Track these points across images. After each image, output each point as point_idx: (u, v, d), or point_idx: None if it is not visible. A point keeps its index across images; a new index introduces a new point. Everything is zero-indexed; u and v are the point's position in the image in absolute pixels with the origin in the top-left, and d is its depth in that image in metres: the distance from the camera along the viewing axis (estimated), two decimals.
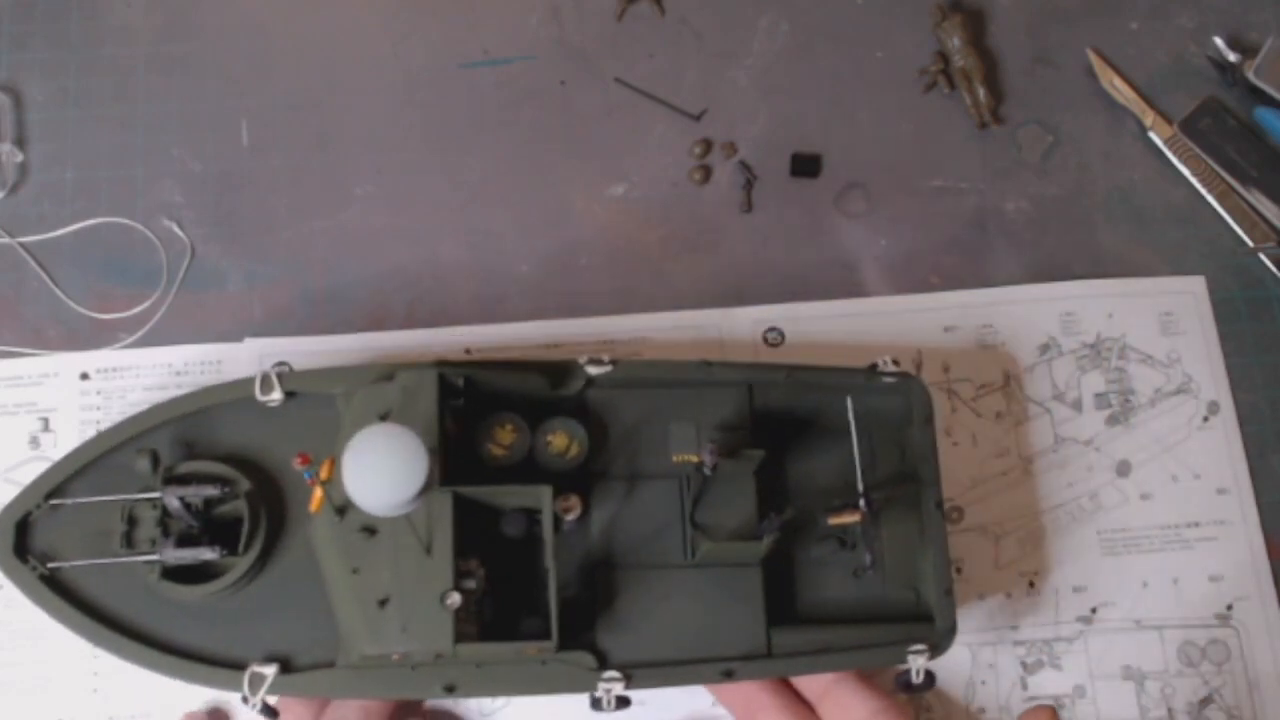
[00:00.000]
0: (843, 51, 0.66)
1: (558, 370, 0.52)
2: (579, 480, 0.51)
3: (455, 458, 0.49)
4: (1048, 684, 0.57)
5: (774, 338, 0.61)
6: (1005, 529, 0.59)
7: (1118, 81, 0.65)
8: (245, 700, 0.49)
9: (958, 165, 0.65)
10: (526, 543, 0.49)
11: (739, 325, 0.61)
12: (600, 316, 0.61)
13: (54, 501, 0.51)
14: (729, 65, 0.65)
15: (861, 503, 0.49)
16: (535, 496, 0.48)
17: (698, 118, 0.65)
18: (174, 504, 0.49)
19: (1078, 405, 0.61)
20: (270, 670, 0.49)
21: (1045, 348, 0.61)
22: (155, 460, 0.50)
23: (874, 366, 0.54)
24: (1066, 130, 0.65)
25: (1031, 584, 0.58)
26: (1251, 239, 0.63)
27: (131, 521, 0.50)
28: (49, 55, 0.64)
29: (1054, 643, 0.57)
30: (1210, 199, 0.64)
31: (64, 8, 0.65)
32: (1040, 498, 0.59)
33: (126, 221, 0.62)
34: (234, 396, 0.52)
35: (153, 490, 0.50)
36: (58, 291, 0.61)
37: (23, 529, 0.51)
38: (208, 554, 0.49)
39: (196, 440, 0.52)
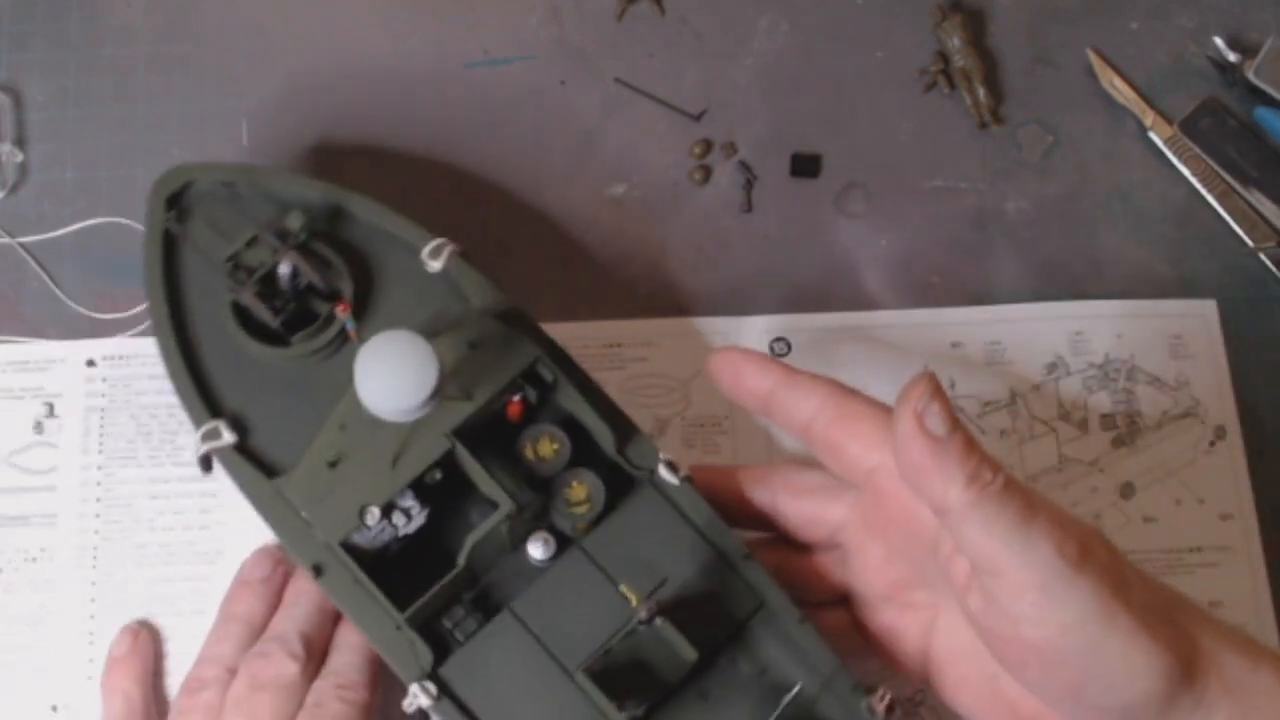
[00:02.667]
0: (843, 51, 0.66)
1: (627, 435, 0.50)
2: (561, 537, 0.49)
3: (491, 430, 0.49)
4: None
5: (781, 349, 0.61)
6: None
7: (1118, 81, 0.65)
8: (197, 455, 0.50)
9: (958, 165, 0.65)
10: (483, 541, 0.48)
11: (746, 335, 0.61)
12: (601, 320, 0.61)
13: (225, 183, 0.53)
14: (729, 65, 0.66)
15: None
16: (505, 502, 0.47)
17: (698, 118, 0.65)
18: (285, 269, 0.50)
19: (1084, 425, 0.60)
20: (229, 438, 0.49)
21: (1053, 367, 0.61)
22: (305, 224, 0.50)
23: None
24: (1066, 130, 0.65)
25: None
26: (1251, 239, 0.63)
27: (249, 245, 0.51)
28: (49, 55, 0.64)
29: None
30: (1210, 199, 0.64)
31: (64, 8, 0.65)
32: None
33: (126, 221, 0.62)
34: (405, 238, 0.52)
35: (285, 242, 0.50)
36: (58, 292, 0.61)
37: (180, 192, 0.53)
38: (268, 319, 0.50)
39: (338, 234, 0.53)
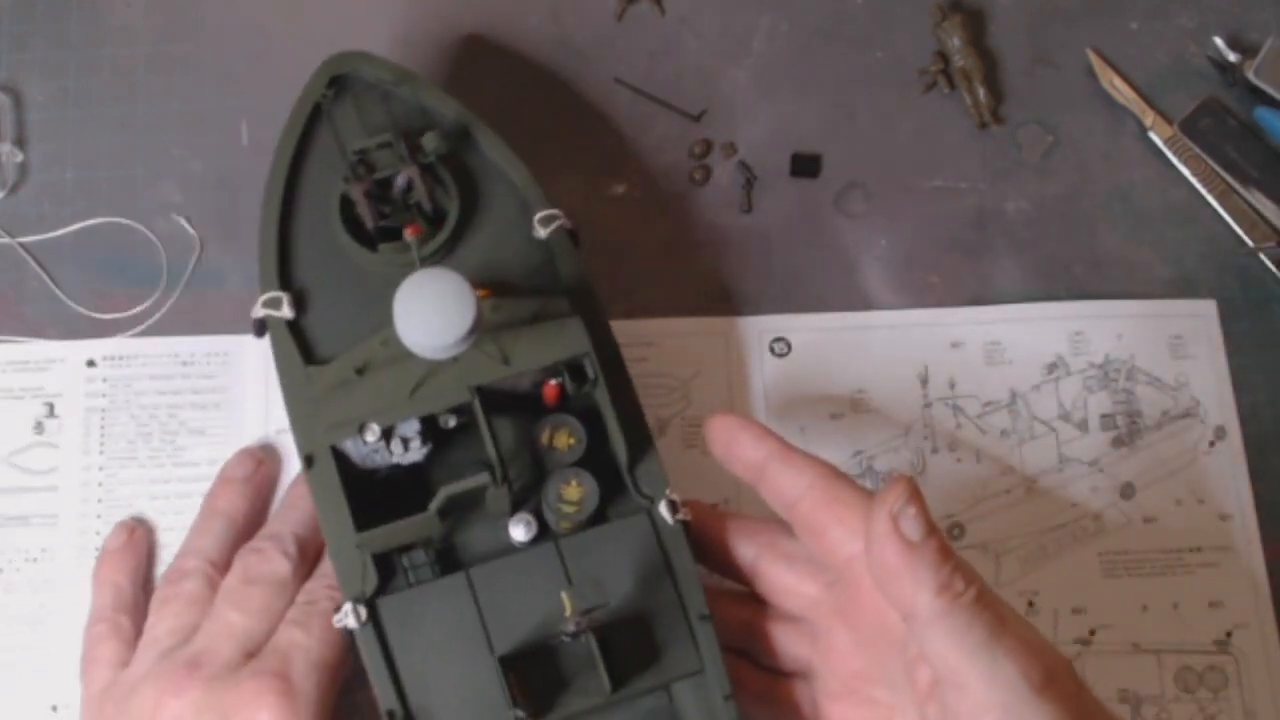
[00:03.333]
0: (843, 51, 0.66)
1: (643, 454, 0.50)
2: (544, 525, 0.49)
3: (520, 403, 0.49)
4: None
5: (780, 349, 0.61)
6: (1006, 547, 0.59)
7: (1118, 81, 0.65)
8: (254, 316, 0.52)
9: (958, 165, 0.65)
10: (460, 498, 0.48)
11: (746, 334, 0.61)
12: None
13: (385, 82, 0.55)
14: (729, 65, 0.65)
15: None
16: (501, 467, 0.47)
17: (698, 118, 0.65)
18: (402, 181, 0.51)
19: (1083, 426, 0.61)
20: (287, 312, 0.51)
21: (1053, 367, 0.61)
22: (438, 148, 0.51)
23: None
24: (1066, 130, 0.65)
25: (1031, 603, 0.58)
26: (1251, 239, 0.63)
27: (380, 146, 0.52)
28: (49, 55, 0.64)
29: None
30: (1210, 199, 0.64)
31: (64, 8, 0.65)
32: (1042, 517, 0.59)
33: (126, 221, 0.62)
34: (522, 191, 0.54)
35: (414, 156, 0.51)
36: (58, 292, 0.61)
37: (343, 76, 0.55)
38: (368, 219, 0.51)
39: (462, 159, 0.54)
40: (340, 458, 0.47)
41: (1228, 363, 0.62)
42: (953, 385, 0.61)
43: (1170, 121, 0.65)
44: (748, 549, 0.50)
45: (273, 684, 0.47)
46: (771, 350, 0.61)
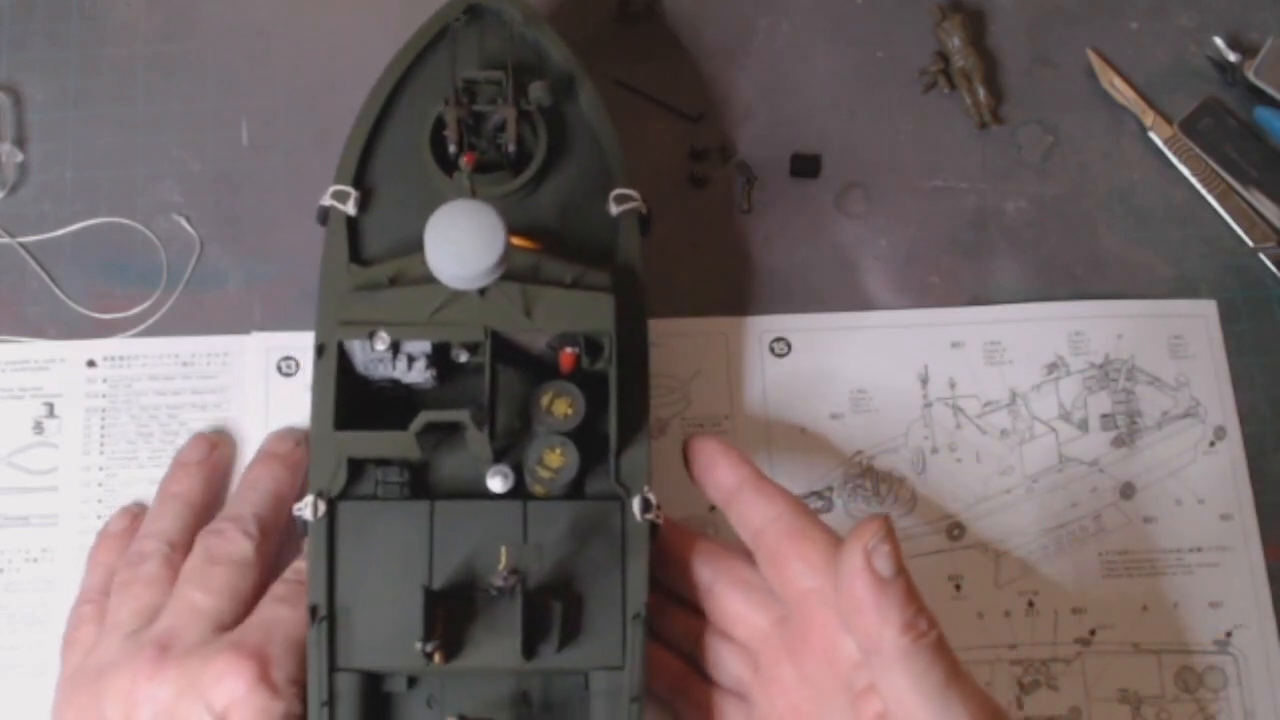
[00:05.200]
0: (843, 51, 0.66)
1: (632, 440, 0.51)
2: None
3: (534, 365, 0.50)
4: (1044, 704, 0.57)
5: (780, 349, 0.61)
6: (1006, 547, 0.59)
7: (1118, 81, 0.65)
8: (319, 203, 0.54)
9: (958, 165, 0.65)
10: (442, 429, 0.48)
11: (746, 334, 0.61)
12: None
13: (514, 19, 0.56)
14: (729, 65, 0.65)
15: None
16: (512, 394, 0.49)
17: (697, 119, 0.65)
18: (498, 119, 0.53)
19: (1084, 426, 0.60)
20: (350, 209, 0.53)
21: (1053, 367, 0.61)
22: (544, 98, 0.52)
23: None
24: (1066, 130, 0.65)
25: (1031, 603, 0.58)
26: (1251, 239, 0.63)
27: (489, 81, 0.53)
28: (49, 55, 0.64)
29: (1051, 663, 0.57)
30: (1210, 199, 0.64)
31: (64, 8, 0.65)
32: (1042, 517, 0.59)
33: (126, 221, 0.62)
34: (608, 157, 0.55)
35: (517, 99, 0.53)
36: (58, 291, 0.61)
37: (482, 4, 0.56)
38: (453, 145, 0.52)
39: (560, 108, 0.55)
40: (344, 357, 0.49)
41: (1228, 363, 0.62)
42: (953, 385, 0.61)
43: (1170, 121, 0.65)
44: (706, 571, 0.51)
45: (249, 656, 0.48)
46: (771, 350, 0.61)
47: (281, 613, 0.50)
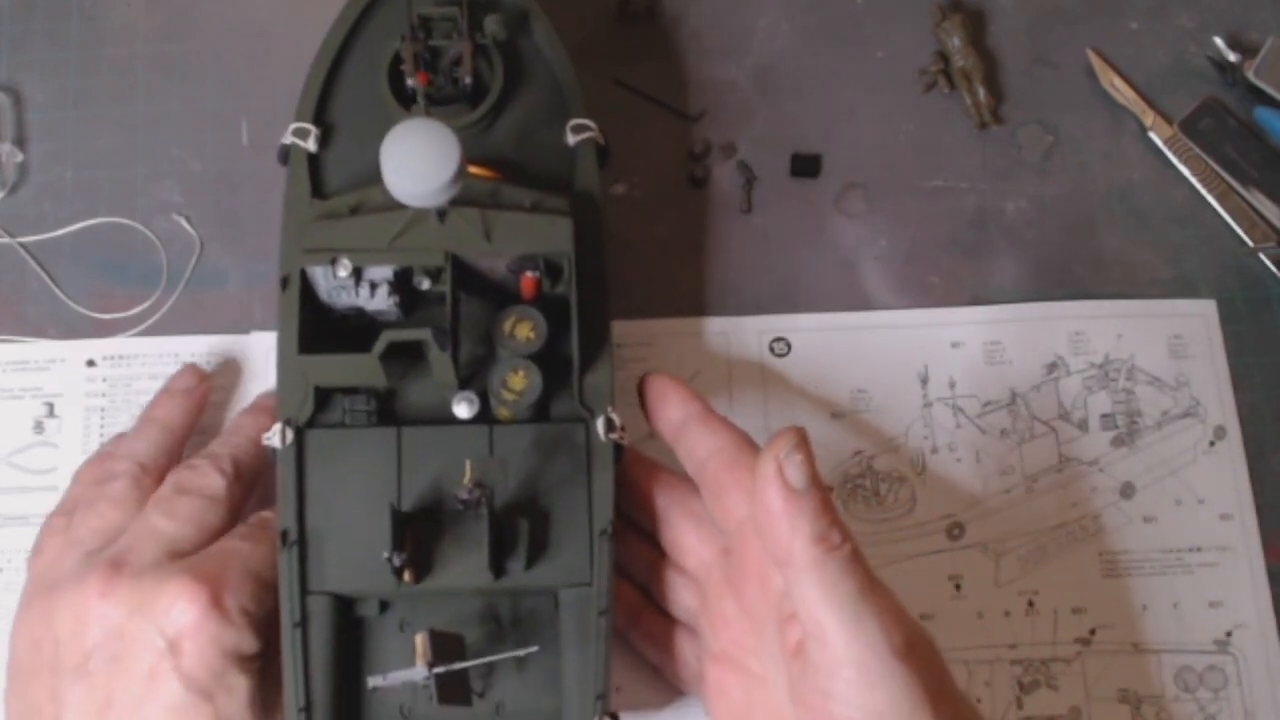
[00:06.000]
0: (843, 51, 0.66)
1: (594, 362, 0.51)
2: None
3: (496, 292, 0.51)
4: (1044, 704, 0.57)
5: (780, 349, 0.61)
6: (1006, 547, 0.59)
7: (1118, 81, 0.65)
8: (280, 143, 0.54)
9: (958, 165, 0.65)
10: (406, 351, 0.49)
11: (746, 334, 0.61)
12: None
13: None
14: (729, 65, 0.66)
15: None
16: (475, 322, 0.50)
17: (697, 118, 0.65)
18: (453, 53, 0.53)
19: (1083, 425, 0.60)
20: (310, 145, 0.53)
21: (1053, 366, 0.61)
22: (499, 33, 0.53)
23: None
24: (1066, 130, 0.65)
25: (1031, 603, 0.58)
26: (1251, 239, 0.63)
27: (444, 19, 0.54)
28: (49, 55, 0.64)
29: (1051, 663, 0.57)
30: (1210, 199, 0.64)
31: (64, 8, 0.65)
32: (1042, 517, 0.59)
33: (126, 221, 0.62)
34: (564, 91, 0.56)
35: (472, 34, 0.53)
36: (58, 291, 0.61)
37: None
38: (410, 79, 0.53)
39: (515, 42, 0.56)
40: (307, 286, 0.49)
41: (1227, 362, 0.62)
42: (953, 385, 0.61)
43: (1170, 121, 0.65)
44: (662, 500, 0.52)
45: (203, 581, 0.47)
46: (771, 350, 0.61)
47: (240, 546, 0.50)
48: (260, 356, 0.59)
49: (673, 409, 0.51)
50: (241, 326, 0.60)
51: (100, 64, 0.64)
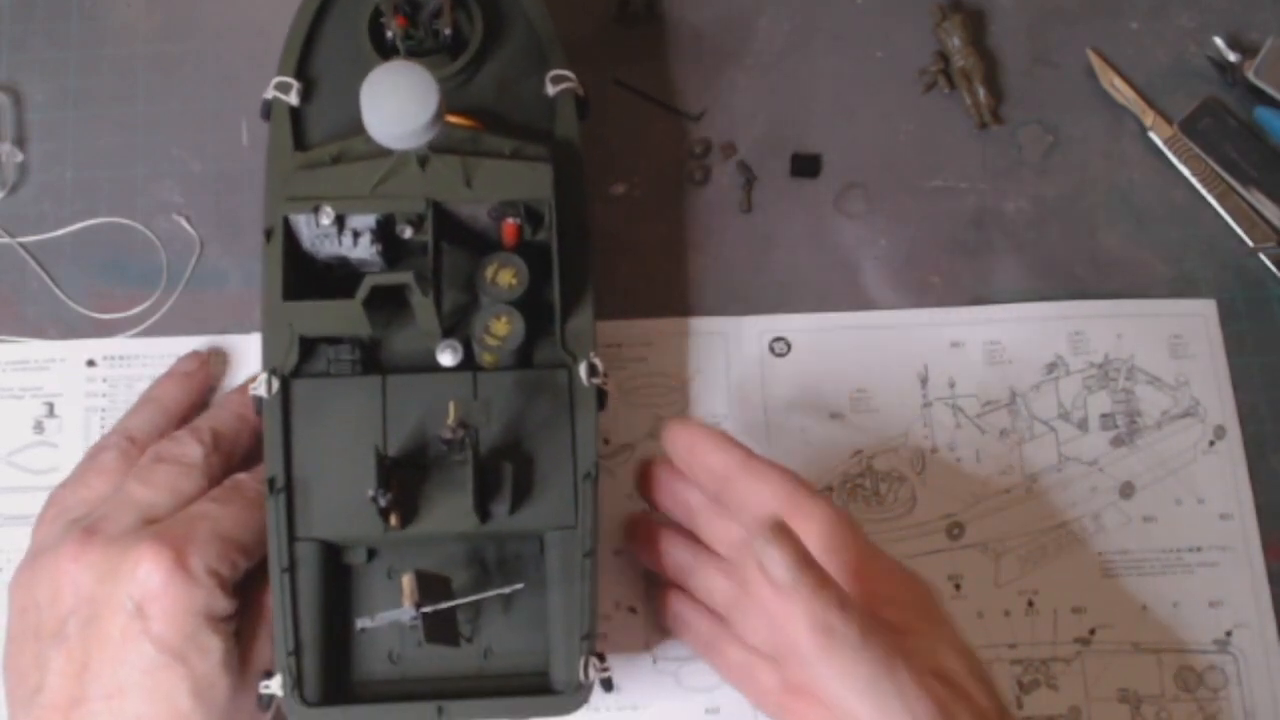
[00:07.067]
0: (843, 51, 0.66)
1: (575, 308, 0.52)
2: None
3: (477, 240, 0.51)
4: (1043, 704, 0.57)
5: (780, 348, 0.61)
6: (1006, 547, 0.59)
7: (1118, 81, 0.65)
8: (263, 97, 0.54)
9: (958, 165, 0.65)
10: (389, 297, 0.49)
11: (746, 335, 0.61)
12: (601, 320, 0.60)
13: None
14: (729, 65, 0.65)
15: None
16: (456, 269, 0.50)
17: (697, 118, 0.65)
18: (433, 6, 0.53)
19: (1083, 425, 0.60)
20: (293, 99, 0.54)
21: (1052, 366, 0.61)
22: None
23: None
24: (1066, 130, 0.65)
25: (1031, 603, 0.58)
26: (1251, 239, 0.63)
27: None
28: (49, 55, 0.64)
29: (1051, 663, 0.57)
30: (1210, 199, 0.64)
31: (64, 8, 0.65)
32: (1042, 517, 0.59)
33: (126, 221, 0.62)
34: (544, 45, 0.56)
35: None
36: (58, 291, 0.61)
37: None
38: (390, 30, 0.53)
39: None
40: (291, 235, 0.49)
41: (1227, 362, 0.62)
42: (953, 385, 0.61)
43: (1170, 121, 0.65)
44: (695, 495, 0.53)
45: (167, 544, 0.48)
46: (771, 350, 0.61)
47: (209, 508, 0.50)
48: (260, 356, 0.59)
49: (711, 457, 0.51)
50: (241, 326, 0.60)
51: (100, 64, 0.64)
